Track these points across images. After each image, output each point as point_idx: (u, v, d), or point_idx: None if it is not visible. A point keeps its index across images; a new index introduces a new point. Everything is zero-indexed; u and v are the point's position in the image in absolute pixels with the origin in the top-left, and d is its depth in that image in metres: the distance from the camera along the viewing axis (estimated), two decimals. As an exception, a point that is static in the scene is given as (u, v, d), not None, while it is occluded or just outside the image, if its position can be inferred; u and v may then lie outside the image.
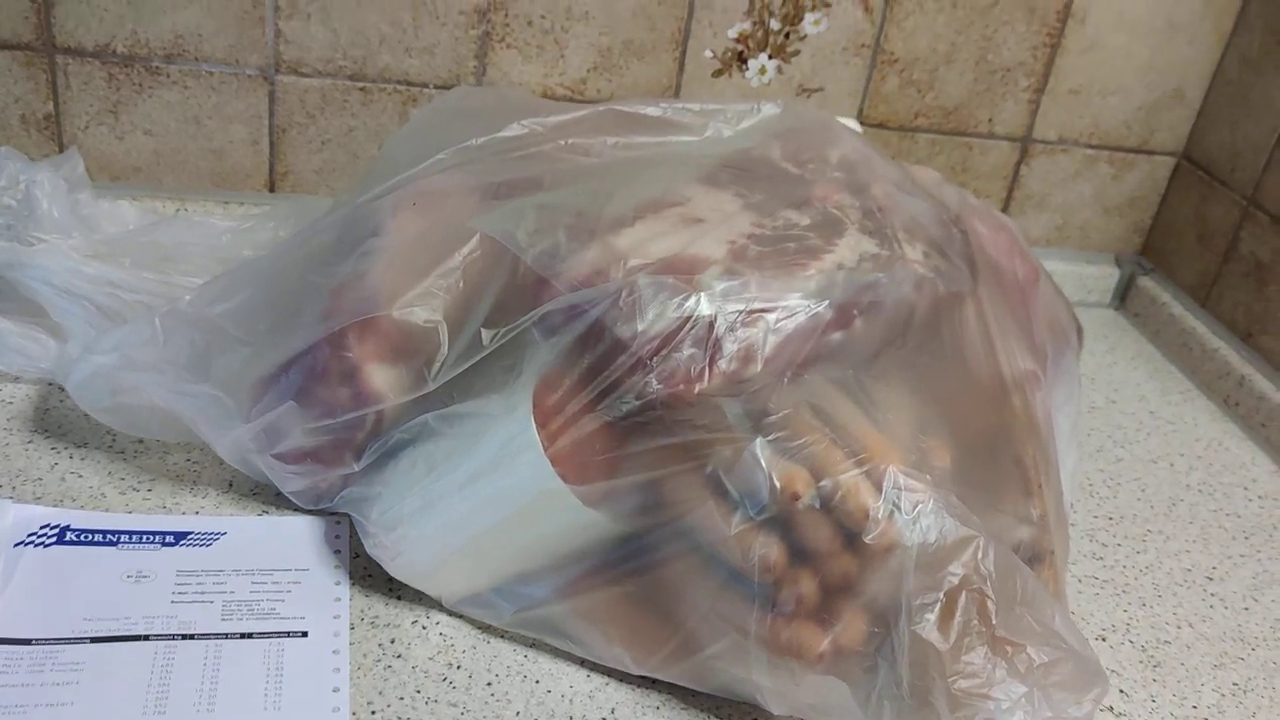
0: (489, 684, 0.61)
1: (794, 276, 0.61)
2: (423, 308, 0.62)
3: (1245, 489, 0.90)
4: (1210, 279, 1.08)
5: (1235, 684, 0.70)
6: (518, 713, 0.60)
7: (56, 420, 0.74)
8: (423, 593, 0.65)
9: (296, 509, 0.69)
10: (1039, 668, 0.54)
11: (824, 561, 0.55)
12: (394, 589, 0.66)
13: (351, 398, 0.63)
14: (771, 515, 0.55)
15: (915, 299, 0.64)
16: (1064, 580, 0.65)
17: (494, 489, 0.60)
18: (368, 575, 0.66)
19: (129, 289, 0.76)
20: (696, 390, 0.57)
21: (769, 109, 0.76)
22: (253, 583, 0.64)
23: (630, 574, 0.59)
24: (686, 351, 0.57)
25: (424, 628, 0.64)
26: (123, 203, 0.87)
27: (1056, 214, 1.12)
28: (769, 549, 0.55)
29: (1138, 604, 0.75)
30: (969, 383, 0.65)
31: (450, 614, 0.65)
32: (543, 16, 0.93)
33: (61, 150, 0.91)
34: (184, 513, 0.69)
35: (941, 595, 0.54)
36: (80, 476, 0.70)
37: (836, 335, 0.61)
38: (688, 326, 0.58)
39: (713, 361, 0.58)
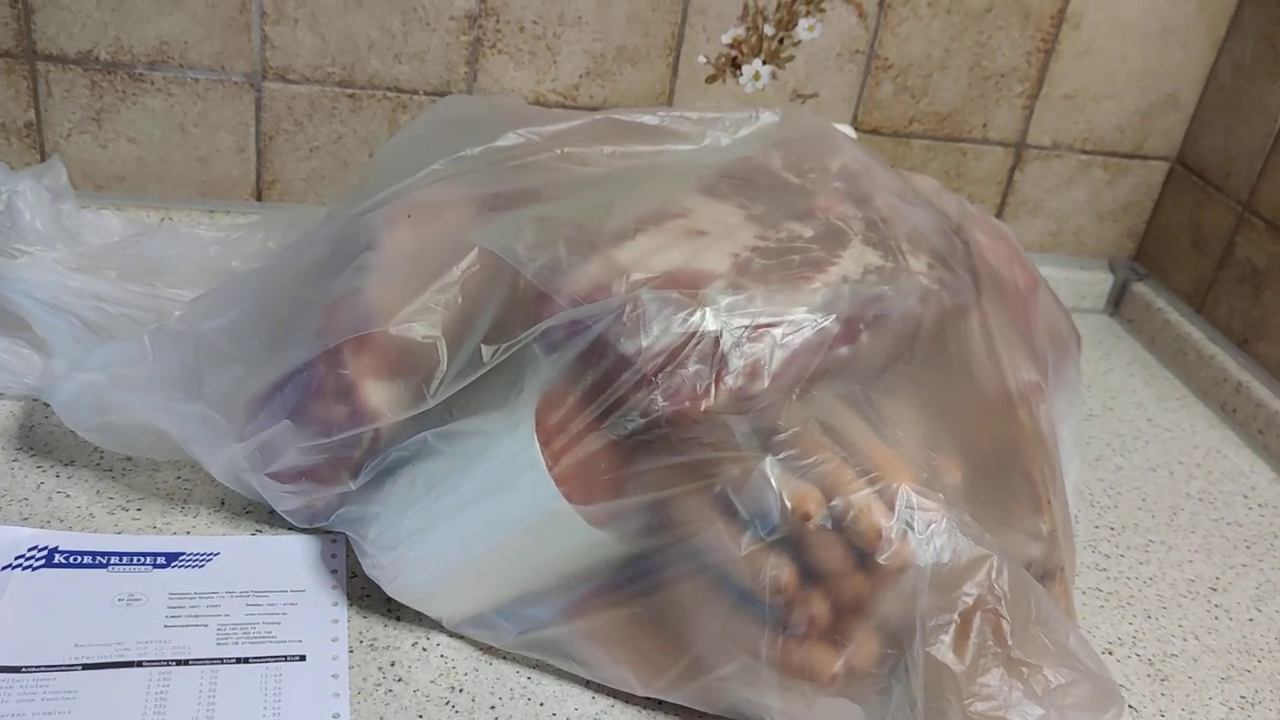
0: (492, 707, 0.60)
1: (799, 290, 0.60)
2: (421, 323, 0.61)
3: (1245, 497, 0.89)
4: (1205, 285, 1.07)
5: (1243, 697, 0.69)
6: (522, 737, 0.59)
7: (42, 437, 0.72)
8: (422, 613, 0.64)
9: (291, 528, 0.68)
10: (1056, 689, 0.53)
11: (836, 582, 0.54)
12: (393, 609, 0.64)
13: (348, 415, 0.61)
14: (782, 536, 0.54)
15: (920, 311, 0.63)
16: (1073, 596, 0.65)
17: (496, 509, 0.58)
18: (365, 595, 0.65)
19: (115, 302, 0.74)
20: (703, 407, 0.56)
21: (767, 117, 0.75)
22: (248, 605, 0.63)
23: (637, 595, 0.58)
24: (692, 368, 0.56)
25: (424, 650, 0.62)
26: (106, 213, 0.85)
27: (1050, 219, 1.12)
28: (780, 570, 0.54)
29: (1143, 616, 0.75)
30: (976, 396, 0.64)
31: (451, 635, 0.63)
32: (535, 22, 0.92)
33: (43, 159, 0.89)
34: (175, 533, 0.67)
35: (956, 616, 0.53)
36: (68, 496, 0.68)
37: (843, 350, 0.60)
38: (693, 342, 0.57)
39: (719, 378, 0.57)
